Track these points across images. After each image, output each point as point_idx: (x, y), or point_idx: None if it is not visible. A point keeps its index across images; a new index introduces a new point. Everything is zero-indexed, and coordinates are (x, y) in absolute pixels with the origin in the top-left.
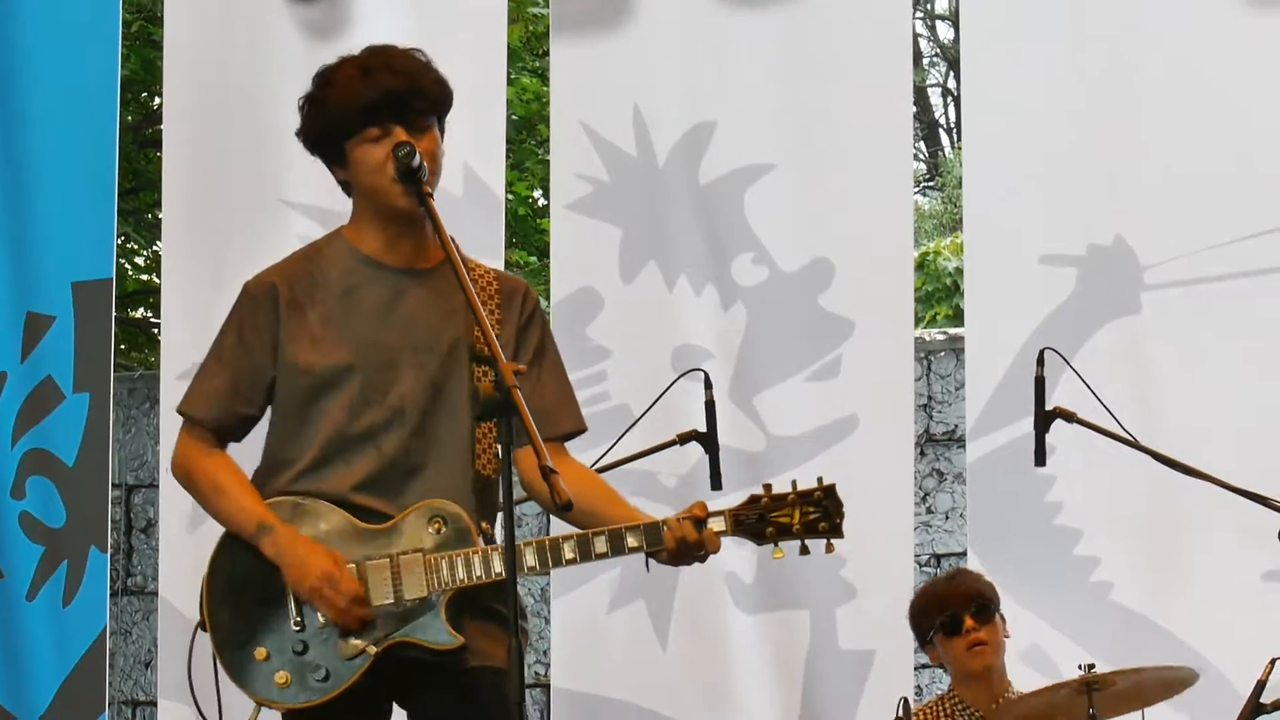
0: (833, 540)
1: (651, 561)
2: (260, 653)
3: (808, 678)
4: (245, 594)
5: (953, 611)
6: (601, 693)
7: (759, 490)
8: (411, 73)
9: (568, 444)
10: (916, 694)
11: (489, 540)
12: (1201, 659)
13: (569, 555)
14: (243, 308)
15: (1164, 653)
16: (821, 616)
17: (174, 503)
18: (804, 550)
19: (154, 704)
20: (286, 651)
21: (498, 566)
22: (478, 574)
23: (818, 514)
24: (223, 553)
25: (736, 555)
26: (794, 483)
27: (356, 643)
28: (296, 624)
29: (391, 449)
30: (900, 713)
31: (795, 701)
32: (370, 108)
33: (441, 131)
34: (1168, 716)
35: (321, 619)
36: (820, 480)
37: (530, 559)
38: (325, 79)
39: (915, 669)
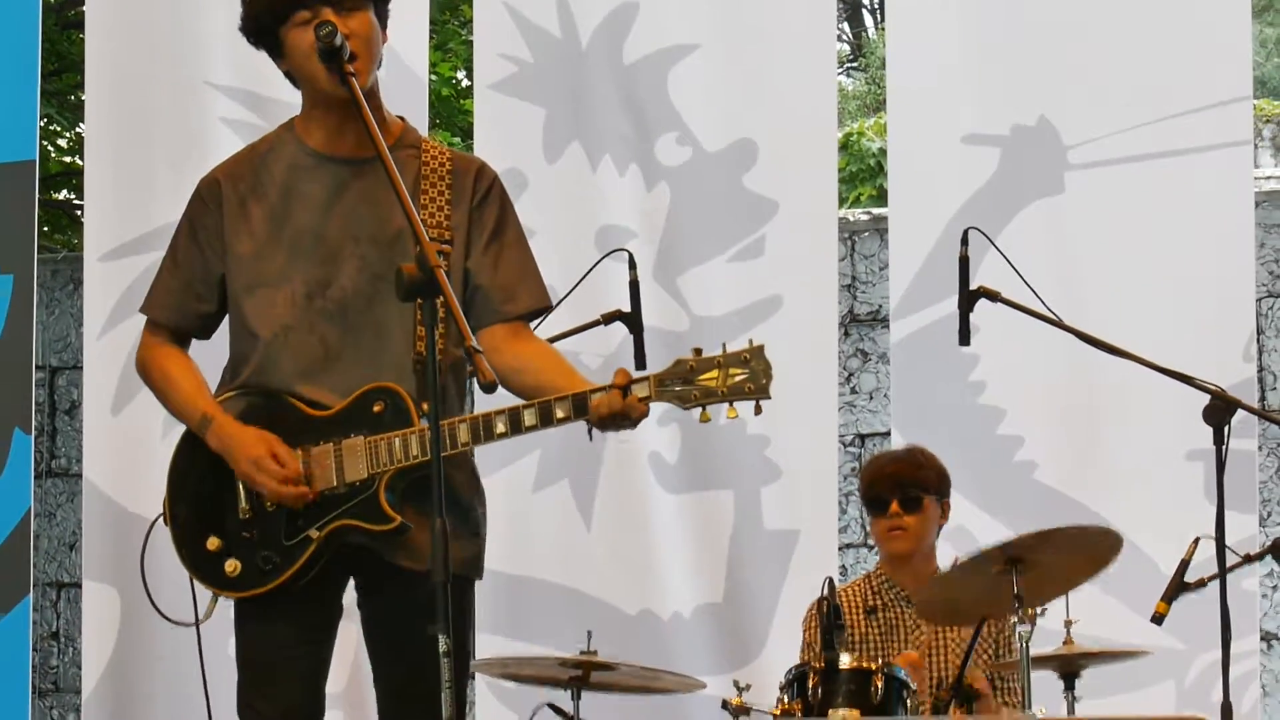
0: (761, 402)
1: (581, 436)
2: (213, 543)
3: (732, 557)
4: (201, 487)
5: (880, 494)
6: (525, 572)
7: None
8: None
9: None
10: (841, 574)
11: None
12: (1125, 538)
13: (500, 429)
14: (192, 206)
15: None
16: (746, 496)
17: (98, 385)
18: (732, 413)
19: (78, 586)
20: (237, 541)
21: (415, 450)
22: (414, 453)
23: (744, 375)
24: (182, 448)
25: (660, 435)
26: (723, 345)
27: (301, 529)
28: (244, 512)
29: (336, 340)
30: (825, 592)
31: (720, 581)
32: None
33: (382, 21)
34: (1093, 596)
35: (269, 506)
36: (750, 341)
37: (463, 435)
38: None
39: (840, 549)
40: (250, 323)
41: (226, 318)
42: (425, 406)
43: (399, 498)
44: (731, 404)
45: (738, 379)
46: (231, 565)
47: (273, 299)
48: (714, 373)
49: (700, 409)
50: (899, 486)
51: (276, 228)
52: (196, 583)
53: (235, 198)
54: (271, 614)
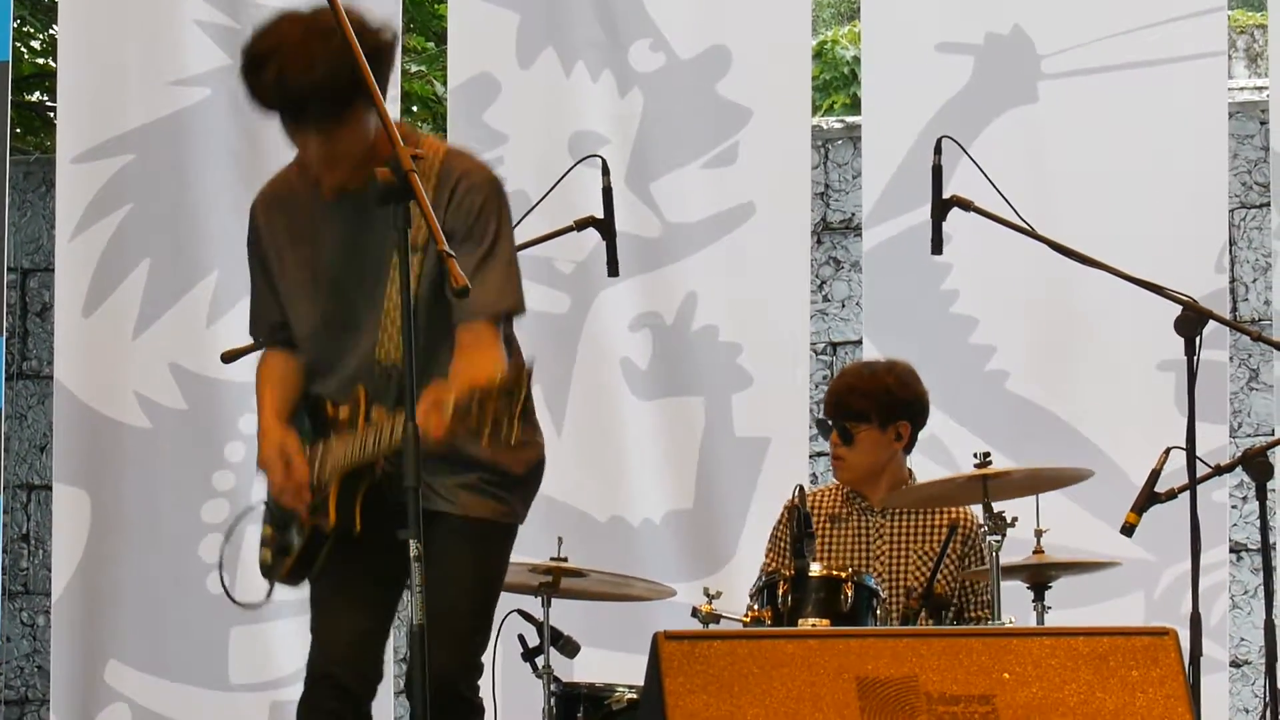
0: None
1: (552, 342)
2: (266, 530)
3: (703, 464)
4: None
5: (824, 420)
6: None
7: None
8: (298, 84)
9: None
10: (811, 481)
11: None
12: (1096, 448)
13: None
14: (249, 229)
15: (1058, 442)
16: (717, 403)
17: (69, 287)
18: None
19: (49, 488)
20: (278, 528)
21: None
22: (350, 461)
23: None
24: None
25: (632, 341)
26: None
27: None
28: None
29: (357, 362)
30: (796, 499)
31: (690, 488)
32: (269, 108)
33: (382, 83)
34: (1062, 505)
35: None
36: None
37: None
38: (242, 55)
39: (810, 457)
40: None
41: None
42: (375, 413)
43: (356, 512)
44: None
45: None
46: (264, 553)
47: (301, 333)
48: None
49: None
50: (835, 416)
51: (296, 258)
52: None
53: (268, 225)
54: (338, 556)
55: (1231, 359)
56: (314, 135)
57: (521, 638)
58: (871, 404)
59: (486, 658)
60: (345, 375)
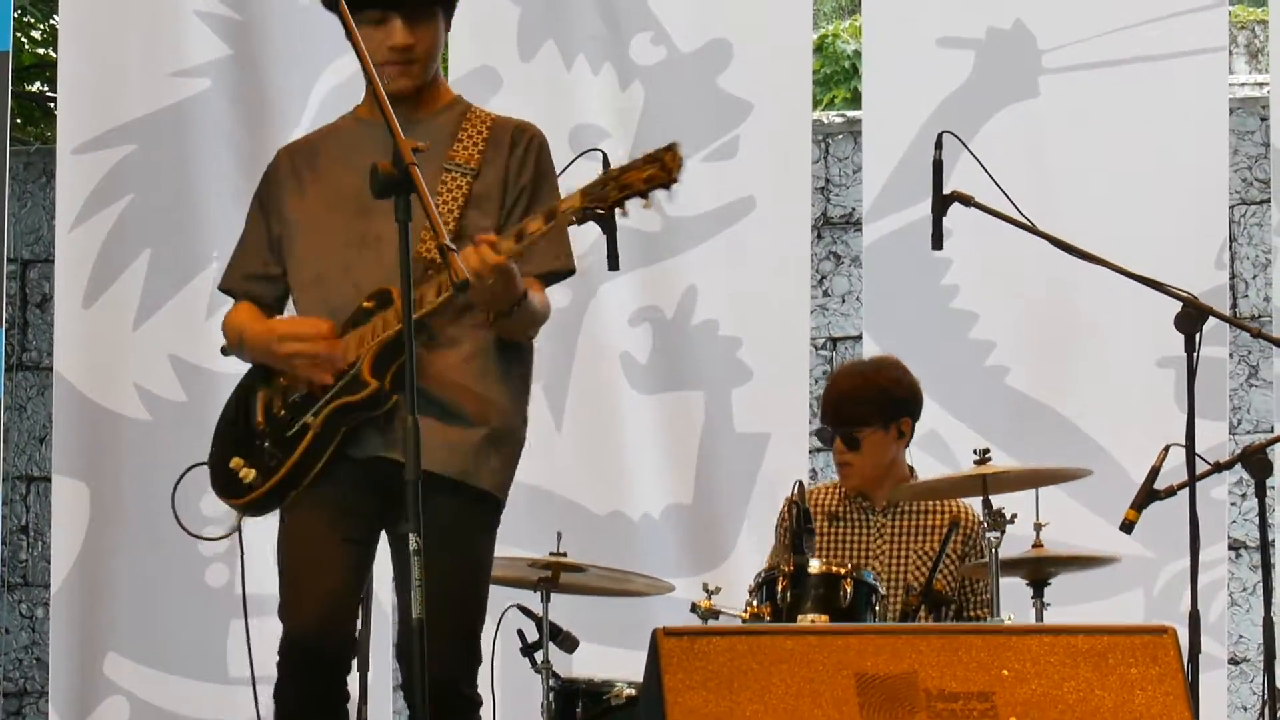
0: (668, 188)
1: (553, 337)
2: (236, 462)
3: (702, 459)
4: (226, 425)
5: (824, 427)
6: None
7: None
8: None
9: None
10: (811, 476)
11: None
12: (1095, 445)
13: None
14: (261, 180)
15: (1058, 438)
16: (716, 398)
17: (69, 278)
18: (645, 203)
19: (48, 480)
20: (253, 451)
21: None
22: (392, 325)
23: (655, 166)
24: (225, 407)
25: (631, 336)
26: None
27: (301, 418)
28: (260, 424)
29: (368, 283)
30: (795, 495)
31: (689, 482)
32: None
33: (449, 14)
34: (1061, 501)
35: (278, 411)
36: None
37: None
38: None
39: (810, 452)
40: (295, 274)
41: None
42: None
43: (388, 379)
44: (646, 195)
45: (649, 173)
46: (245, 472)
47: (312, 249)
48: (632, 173)
49: (619, 206)
50: (837, 423)
51: (320, 186)
52: (227, 506)
53: (290, 165)
54: (308, 517)
55: (1231, 356)
56: (401, 23)
57: (520, 633)
58: (872, 407)
59: (485, 653)
60: (365, 286)
